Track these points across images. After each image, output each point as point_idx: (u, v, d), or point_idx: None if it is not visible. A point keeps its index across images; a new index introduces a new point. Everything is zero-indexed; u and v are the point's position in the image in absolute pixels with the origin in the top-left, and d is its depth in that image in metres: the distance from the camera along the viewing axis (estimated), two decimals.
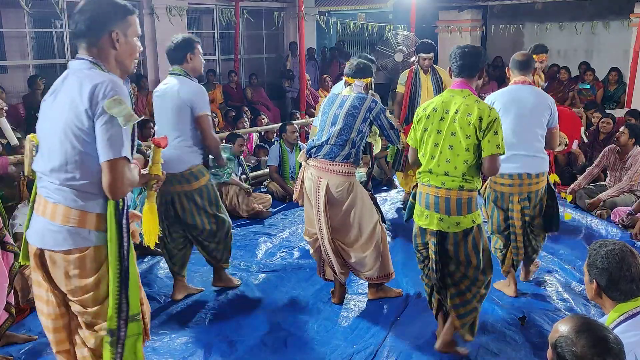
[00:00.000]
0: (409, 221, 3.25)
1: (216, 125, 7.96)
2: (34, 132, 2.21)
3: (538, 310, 3.72)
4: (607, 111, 7.57)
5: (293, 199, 3.91)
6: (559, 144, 4.08)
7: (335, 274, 3.71)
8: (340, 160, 3.48)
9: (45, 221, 2.09)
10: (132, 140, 2.14)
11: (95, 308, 2.13)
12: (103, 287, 2.12)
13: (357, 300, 3.88)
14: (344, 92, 3.65)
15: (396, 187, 6.87)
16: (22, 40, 8.60)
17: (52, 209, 2.08)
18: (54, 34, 9.42)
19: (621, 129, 5.71)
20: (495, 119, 2.84)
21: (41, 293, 2.20)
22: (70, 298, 2.15)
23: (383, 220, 3.86)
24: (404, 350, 3.28)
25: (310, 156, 3.59)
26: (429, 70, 5.67)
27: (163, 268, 4.43)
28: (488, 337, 3.39)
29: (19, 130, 6.13)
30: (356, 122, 3.48)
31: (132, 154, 2.13)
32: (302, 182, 3.66)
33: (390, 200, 6.26)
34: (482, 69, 3.02)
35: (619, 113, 7.72)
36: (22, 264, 2.35)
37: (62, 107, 2.04)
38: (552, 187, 3.83)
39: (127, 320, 2.12)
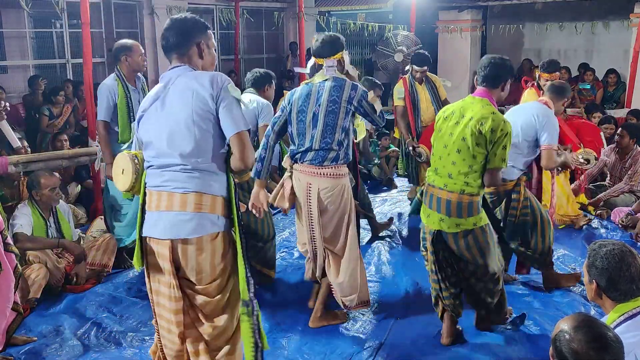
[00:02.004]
0: (412, 215, 3.30)
1: None
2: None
3: (537, 309, 3.72)
4: (607, 111, 7.58)
5: (275, 204, 3.54)
6: (586, 162, 4.23)
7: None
8: (329, 164, 3.22)
9: (175, 213, 2.28)
10: None
11: (218, 297, 2.33)
12: (226, 275, 2.35)
13: None
14: (317, 79, 3.30)
15: (396, 187, 6.87)
16: (22, 40, 8.59)
17: (182, 199, 2.27)
18: (54, 34, 9.41)
19: (618, 131, 5.71)
20: (507, 133, 2.89)
21: (164, 290, 2.35)
22: (198, 286, 2.32)
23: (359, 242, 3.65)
24: (404, 350, 3.28)
25: (295, 161, 3.33)
26: (423, 79, 5.66)
27: None
28: (487, 337, 3.39)
29: (18, 131, 6.13)
30: (338, 120, 3.19)
31: None
32: (283, 186, 3.40)
33: (390, 201, 6.25)
34: (506, 81, 3.05)
35: (619, 113, 7.72)
36: (135, 265, 2.46)
37: (183, 101, 2.27)
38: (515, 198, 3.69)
39: (255, 294, 2.32)
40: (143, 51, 4.34)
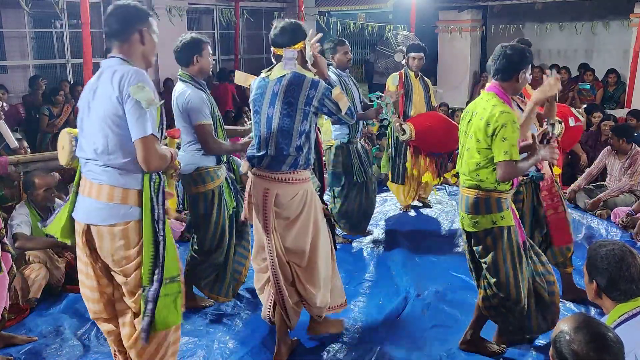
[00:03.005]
0: None
1: None
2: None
3: None
4: (608, 111, 7.57)
5: (242, 218, 3.34)
6: (551, 126, 3.65)
7: (286, 313, 3.10)
8: (287, 169, 2.92)
9: (92, 200, 2.39)
10: (161, 123, 2.44)
11: (133, 275, 2.41)
12: (140, 258, 2.40)
13: (357, 301, 3.88)
14: (275, 74, 2.91)
15: None
16: (22, 40, 8.60)
17: (98, 189, 2.38)
18: (54, 34, 9.42)
19: (610, 134, 5.72)
20: (502, 125, 2.76)
21: (81, 267, 2.52)
22: (114, 269, 2.44)
23: (334, 244, 3.27)
24: (404, 350, 3.28)
25: (253, 165, 3.02)
26: (419, 74, 5.57)
27: None
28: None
29: (19, 131, 6.12)
30: (295, 123, 2.85)
31: (161, 135, 2.44)
32: (250, 195, 3.07)
33: (390, 200, 6.24)
34: (520, 71, 2.87)
35: (619, 113, 7.72)
36: (61, 240, 2.62)
37: (101, 99, 2.34)
38: None
39: (162, 281, 2.39)
40: None
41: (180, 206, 5.38)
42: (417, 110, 5.56)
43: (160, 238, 2.39)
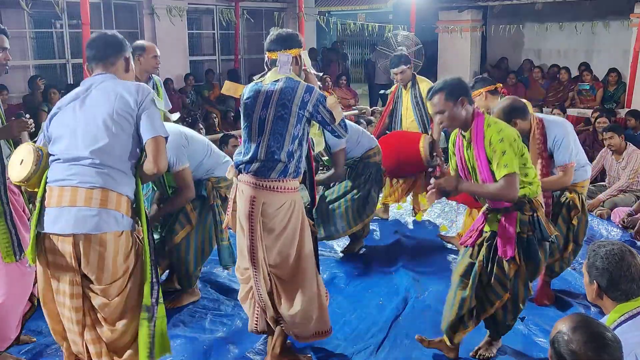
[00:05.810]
0: None
1: (216, 125, 7.97)
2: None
3: (537, 310, 3.72)
4: (607, 107, 7.56)
5: (223, 226, 3.23)
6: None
7: (270, 323, 3.05)
8: (276, 177, 2.79)
9: (78, 208, 2.25)
10: None
11: (117, 299, 2.34)
12: (127, 277, 2.35)
13: (357, 301, 3.88)
14: (268, 79, 2.86)
15: None
16: (22, 40, 8.60)
17: (87, 194, 2.26)
18: (54, 34, 9.42)
19: (607, 135, 5.70)
20: None
21: (63, 287, 2.35)
22: (96, 286, 2.33)
23: (318, 268, 3.09)
24: (404, 350, 3.28)
25: (240, 171, 2.89)
26: (409, 84, 5.23)
27: None
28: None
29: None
30: (288, 127, 2.76)
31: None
32: (235, 203, 2.94)
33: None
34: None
35: (619, 113, 7.72)
36: (30, 265, 2.46)
37: (105, 100, 2.35)
38: None
39: (158, 300, 2.37)
40: (158, 53, 4.08)
41: None
42: (404, 124, 5.31)
43: (153, 254, 2.38)
